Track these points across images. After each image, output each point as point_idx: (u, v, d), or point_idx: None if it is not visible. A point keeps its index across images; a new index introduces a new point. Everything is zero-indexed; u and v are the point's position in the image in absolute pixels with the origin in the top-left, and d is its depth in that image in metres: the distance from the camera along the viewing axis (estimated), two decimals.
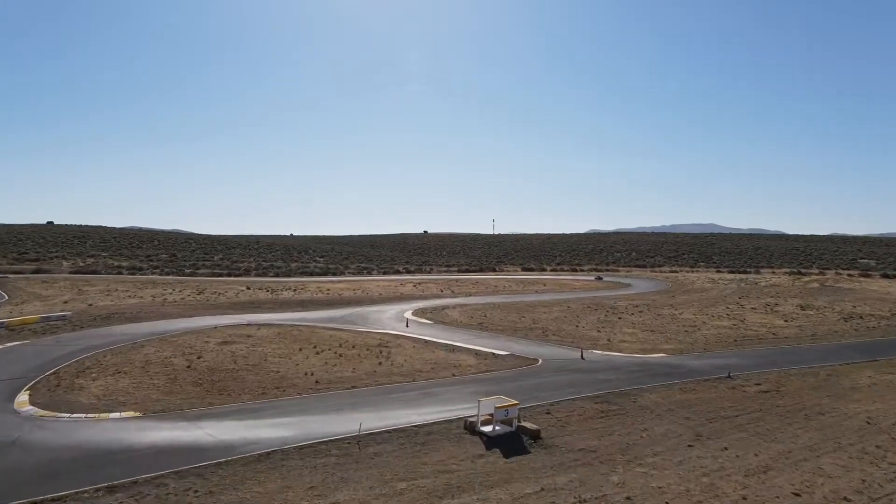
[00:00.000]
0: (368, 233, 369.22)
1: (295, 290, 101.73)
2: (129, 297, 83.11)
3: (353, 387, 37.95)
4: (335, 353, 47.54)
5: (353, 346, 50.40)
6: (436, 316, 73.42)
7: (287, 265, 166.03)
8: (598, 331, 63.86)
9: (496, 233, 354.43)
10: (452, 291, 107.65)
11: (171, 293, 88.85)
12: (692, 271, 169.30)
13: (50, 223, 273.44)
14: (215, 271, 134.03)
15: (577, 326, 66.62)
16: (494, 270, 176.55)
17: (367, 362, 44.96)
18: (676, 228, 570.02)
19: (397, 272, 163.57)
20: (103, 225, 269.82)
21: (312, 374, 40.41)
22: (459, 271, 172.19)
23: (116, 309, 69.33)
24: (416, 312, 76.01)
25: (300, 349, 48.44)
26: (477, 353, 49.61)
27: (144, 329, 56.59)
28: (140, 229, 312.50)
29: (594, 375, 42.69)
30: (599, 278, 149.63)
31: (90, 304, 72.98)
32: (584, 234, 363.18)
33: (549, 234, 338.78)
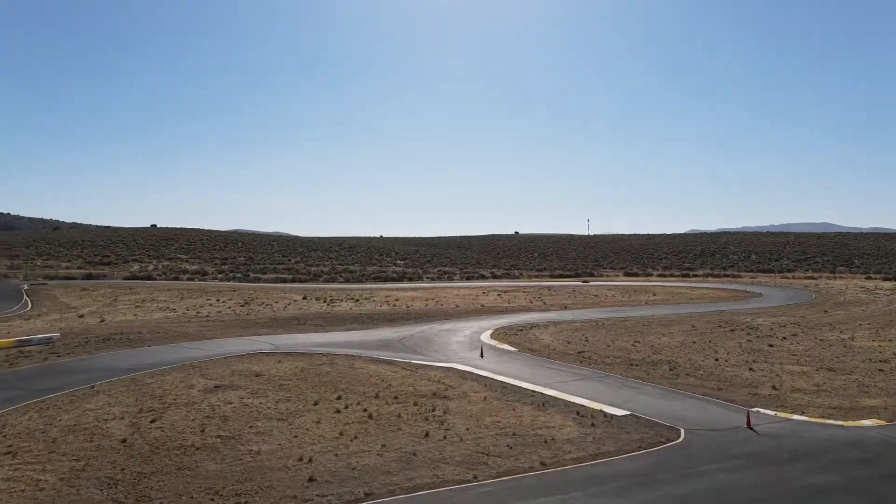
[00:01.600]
0: (458, 234, 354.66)
1: (357, 300, 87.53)
2: (161, 309, 71.37)
3: (369, 495, 21.99)
4: (364, 410, 31.78)
5: (396, 397, 34.53)
6: (521, 339, 56.58)
7: (363, 269, 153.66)
8: (751, 368, 44.87)
9: (591, 233, 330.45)
10: (544, 303, 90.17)
11: (212, 304, 76.68)
12: (834, 277, 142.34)
13: (153, 226, 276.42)
14: (280, 276, 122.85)
15: (716, 359, 47.91)
16: (592, 275, 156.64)
17: (408, 431, 28.93)
18: (786, 228, 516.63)
19: (482, 277, 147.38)
20: (206, 228, 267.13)
21: (311, 461, 24.78)
22: (552, 277, 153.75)
23: (126, 327, 56.85)
24: (497, 334, 59.41)
25: (315, 402, 33.07)
26: (579, 413, 32.47)
27: (132, 360, 43.19)
28: (239, 231, 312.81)
29: (788, 475, 24.58)
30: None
31: (102, 320, 61.19)
32: (687, 235, 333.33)
33: (649, 234, 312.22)
